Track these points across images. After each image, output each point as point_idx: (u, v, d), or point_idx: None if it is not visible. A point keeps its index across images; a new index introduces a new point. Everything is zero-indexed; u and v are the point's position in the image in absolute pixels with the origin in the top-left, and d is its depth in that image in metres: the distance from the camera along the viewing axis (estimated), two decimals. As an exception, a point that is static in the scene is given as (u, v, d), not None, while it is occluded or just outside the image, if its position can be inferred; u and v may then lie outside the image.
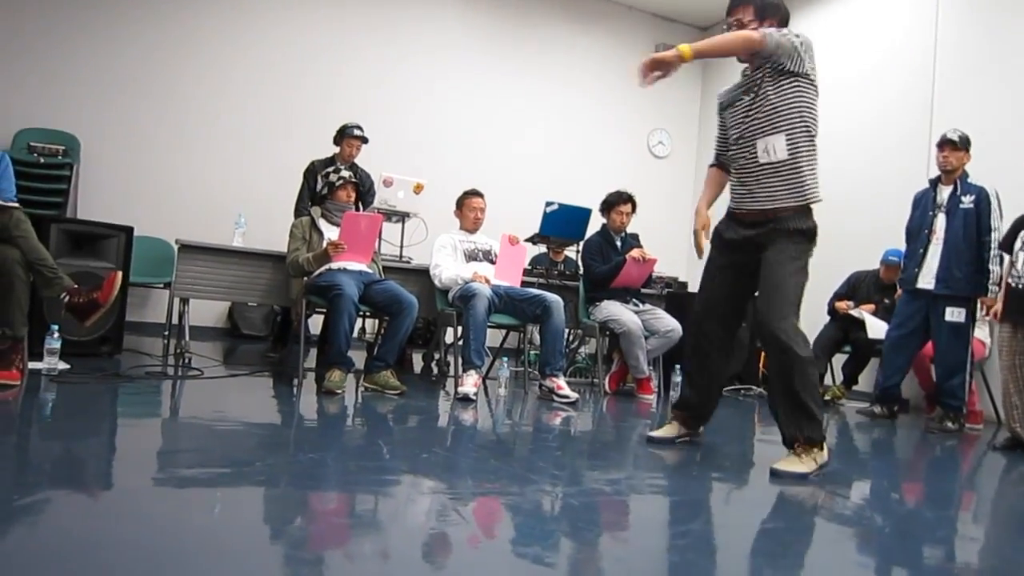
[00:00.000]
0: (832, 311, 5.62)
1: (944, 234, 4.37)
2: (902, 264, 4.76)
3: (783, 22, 2.89)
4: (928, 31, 6.06)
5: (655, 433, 3.24)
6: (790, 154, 2.76)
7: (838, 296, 5.62)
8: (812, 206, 2.81)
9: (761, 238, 2.84)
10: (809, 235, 2.80)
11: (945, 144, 4.42)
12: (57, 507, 1.72)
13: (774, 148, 2.77)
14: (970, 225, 4.29)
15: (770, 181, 2.80)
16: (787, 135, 2.76)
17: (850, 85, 6.61)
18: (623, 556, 1.81)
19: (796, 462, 2.68)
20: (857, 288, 5.62)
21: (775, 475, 2.65)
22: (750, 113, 2.85)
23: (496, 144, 7.64)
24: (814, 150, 2.81)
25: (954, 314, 4.32)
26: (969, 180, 4.40)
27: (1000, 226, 4.22)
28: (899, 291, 4.75)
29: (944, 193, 4.45)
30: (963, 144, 4.41)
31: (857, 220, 5.95)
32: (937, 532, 2.26)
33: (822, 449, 2.72)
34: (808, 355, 2.70)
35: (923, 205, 4.56)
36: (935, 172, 4.58)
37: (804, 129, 2.78)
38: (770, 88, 2.79)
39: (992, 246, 4.20)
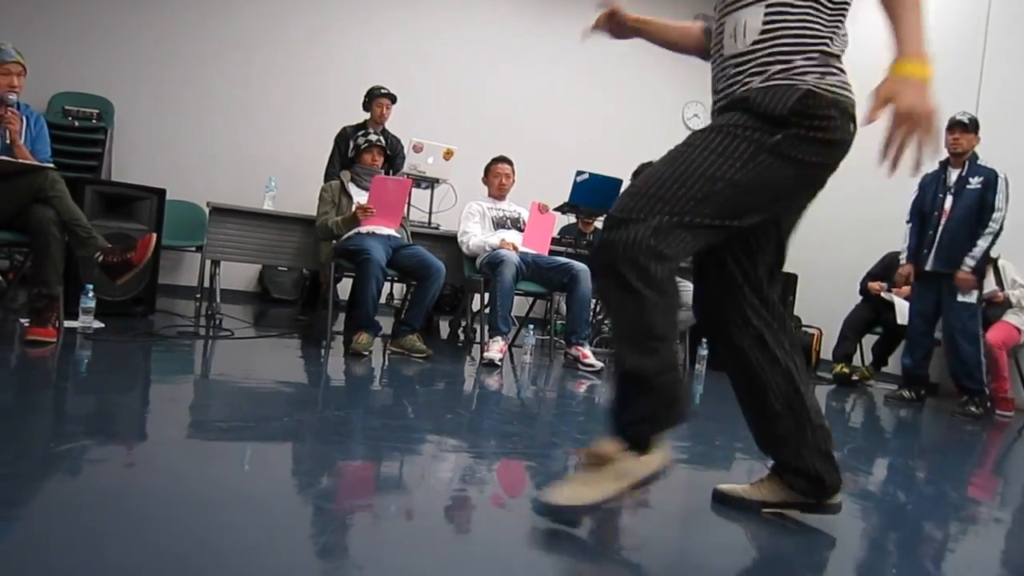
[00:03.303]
0: (864, 291, 5.55)
1: (950, 214, 4.42)
2: (908, 246, 4.73)
3: None
4: (980, 12, 5.84)
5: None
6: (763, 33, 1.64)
7: (871, 276, 5.55)
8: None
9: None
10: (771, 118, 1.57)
11: (955, 126, 4.42)
12: (92, 456, 1.76)
13: (744, 29, 1.67)
14: (975, 206, 4.33)
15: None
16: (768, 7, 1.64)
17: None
18: (643, 519, 1.81)
19: (579, 482, 1.59)
20: (891, 269, 5.53)
21: (541, 508, 1.57)
22: None
23: (528, 112, 7.57)
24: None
25: (965, 294, 4.35)
26: (979, 162, 4.41)
27: (1005, 209, 4.26)
28: (905, 266, 4.74)
29: (953, 175, 4.49)
30: (973, 126, 4.41)
31: (895, 201, 5.84)
32: (961, 512, 2.24)
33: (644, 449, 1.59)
34: (656, 298, 1.53)
35: (932, 187, 4.56)
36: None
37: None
38: None
39: (992, 226, 4.26)
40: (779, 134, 1.57)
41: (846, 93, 1.63)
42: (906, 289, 5.36)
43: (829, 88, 1.59)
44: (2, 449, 1.70)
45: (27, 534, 1.26)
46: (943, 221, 4.45)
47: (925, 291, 4.59)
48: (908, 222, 4.77)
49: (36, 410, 2.19)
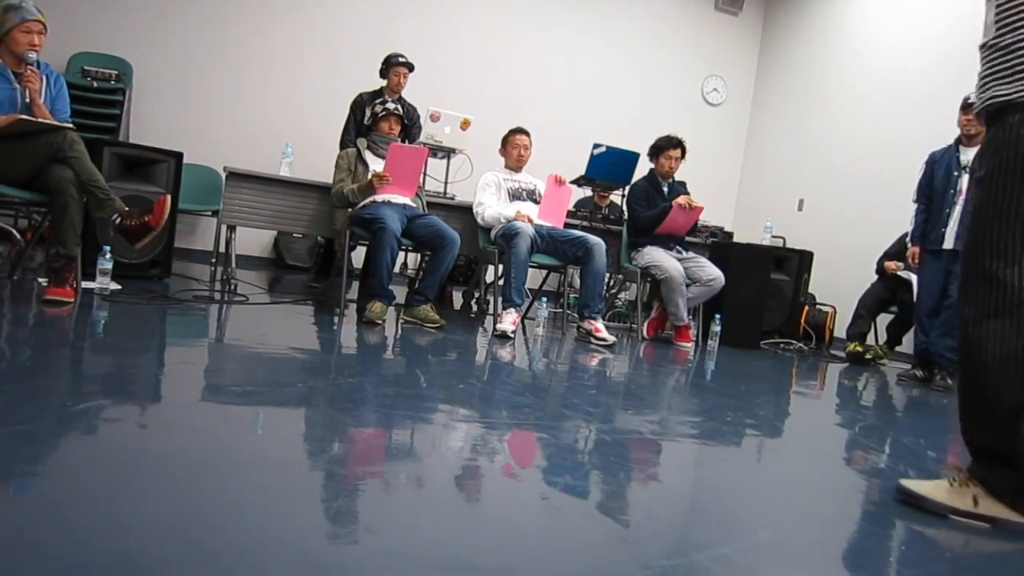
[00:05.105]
0: (880, 270, 5.50)
1: (967, 194, 4.31)
2: (916, 225, 4.65)
3: None
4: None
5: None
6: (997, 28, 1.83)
7: (888, 255, 5.50)
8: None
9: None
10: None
11: (970, 106, 4.29)
12: (109, 415, 1.79)
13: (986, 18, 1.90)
14: None
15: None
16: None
17: (915, 47, 6.34)
18: (653, 492, 1.82)
19: (945, 490, 1.79)
20: (908, 248, 5.49)
21: (903, 500, 1.84)
22: None
23: (547, 83, 7.51)
24: None
25: None
26: None
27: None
28: (912, 248, 4.70)
29: (969, 153, 4.37)
30: None
31: (912, 182, 5.79)
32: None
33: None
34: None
35: (946, 166, 4.52)
36: None
37: None
38: None
39: None
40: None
41: None
42: None
43: None
44: (20, 406, 1.73)
45: (44, 490, 1.28)
46: (959, 200, 4.36)
47: (935, 268, 4.50)
48: (915, 201, 4.67)
49: (53, 369, 2.22)
